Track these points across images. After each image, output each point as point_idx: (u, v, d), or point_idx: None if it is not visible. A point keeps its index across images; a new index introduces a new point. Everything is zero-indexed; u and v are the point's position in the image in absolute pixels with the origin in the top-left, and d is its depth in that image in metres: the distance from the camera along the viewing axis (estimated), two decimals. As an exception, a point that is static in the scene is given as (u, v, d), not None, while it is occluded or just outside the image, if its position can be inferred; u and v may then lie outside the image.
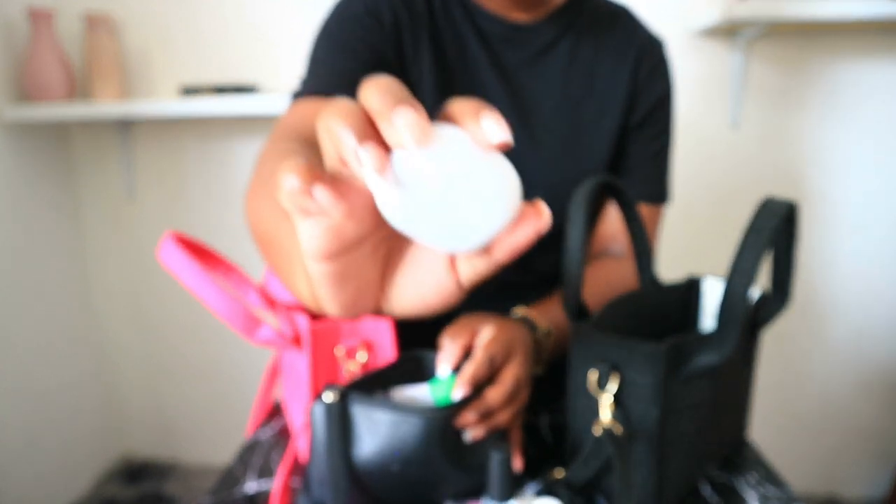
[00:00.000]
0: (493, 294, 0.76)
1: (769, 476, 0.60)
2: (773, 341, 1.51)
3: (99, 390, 1.80)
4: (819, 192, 1.46)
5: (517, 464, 0.58)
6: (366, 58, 0.63)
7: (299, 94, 0.62)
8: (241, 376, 1.75)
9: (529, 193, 0.73)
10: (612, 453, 0.51)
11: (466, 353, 0.57)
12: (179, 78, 1.54)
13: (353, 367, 0.60)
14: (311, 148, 0.52)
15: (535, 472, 0.60)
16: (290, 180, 0.19)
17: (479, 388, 0.54)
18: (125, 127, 1.59)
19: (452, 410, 0.52)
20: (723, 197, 1.48)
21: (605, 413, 0.52)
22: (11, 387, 1.50)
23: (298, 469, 0.61)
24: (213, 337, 1.74)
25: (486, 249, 0.22)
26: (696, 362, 0.51)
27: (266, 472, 0.62)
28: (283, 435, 0.69)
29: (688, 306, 0.69)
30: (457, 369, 0.56)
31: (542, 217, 0.22)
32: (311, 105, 0.59)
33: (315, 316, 0.62)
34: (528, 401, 0.59)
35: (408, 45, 0.66)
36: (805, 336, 1.55)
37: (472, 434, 0.53)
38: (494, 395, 0.54)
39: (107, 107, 1.40)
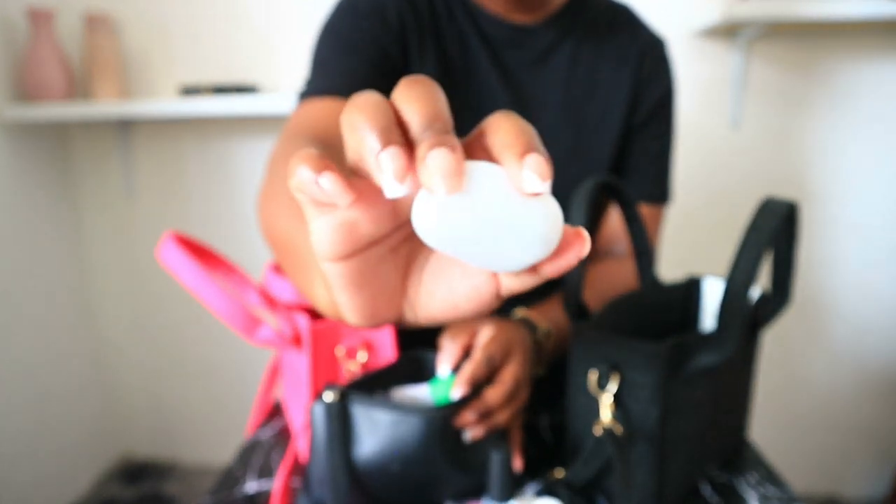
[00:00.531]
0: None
1: (769, 476, 0.60)
2: (773, 341, 1.51)
3: (98, 390, 1.80)
4: (819, 192, 1.46)
5: (517, 464, 0.58)
6: (373, 57, 0.63)
7: (306, 94, 0.61)
8: (241, 376, 1.75)
9: None
10: (612, 453, 0.50)
11: (466, 353, 0.57)
12: (179, 78, 1.54)
13: (353, 367, 0.60)
14: (324, 148, 0.52)
15: (535, 472, 0.59)
16: (300, 169, 0.19)
17: (478, 387, 0.54)
18: (125, 127, 1.59)
19: (452, 410, 0.52)
20: (723, 197, 1.48)
21: (606, 413, 0.52)
22: (11, 387, 1.50)
23: (298, 469, 0.61)
24: (212, 337, 1.74)
25: (531, 268, 0.21)
26: (696, 362, 0.51)
27: (266, 472, 0.62)
28: (283, 435, 0.69)
29: (688, 306, 0.69)
30: (456, 369, 0.56)
31: (584, 243, 0.21)
32: (320, 105, 0.59)
33: (315, 316, 0.62)
34: (527, 401, 0.59)
35: (412, 46, 0.66)
36: (805, 336, 1.55)
37: (471, 434, 0.53)
38: (493, 394, 0.54)
39: (106, 107, 1.40)
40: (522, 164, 0.18)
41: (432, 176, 0.18)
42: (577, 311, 0.57)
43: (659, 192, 0.78)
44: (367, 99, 0.19)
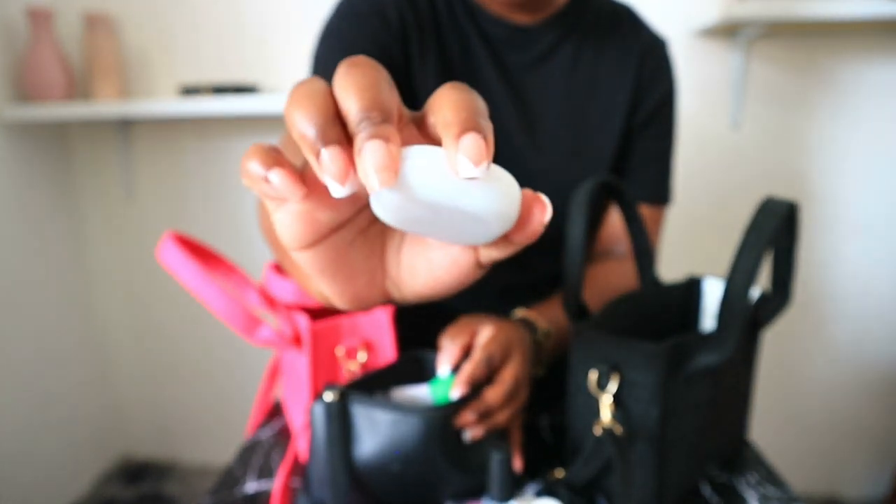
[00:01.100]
0: (494, 295, 0.76)
1: (769, 476, 0.60)
2: (774, 341, 1.51)
3: (98, 390, 1.80)
4: (819, 192, 1.46)
5: (517, 464, 0.58)
6: (374, 57, 0.63)
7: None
8: (241, 376, 1.75)
9: None
10: (612, 453, 0.50)
11: (466, 353, 0.57)
12: (179, 78, 1.54)
13: (353, 367, 0.60)
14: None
15: (535, 472, 0.59)
16: (250, 164, 0.19)
17: (478, 388, 0.54)
18: (124, 127, 1.59)
19: (452, 410, 0.52)
20: (723, 197, 1.48)
21: (606, 413, 0.52)
22: (11, 387, 1.49)
23: (298, 469, 0.60)
24: (212, 337, 1.74)
25: (502, 238, 0.21)
26: (696, 362, 0.51)
27: (266, 472, 0.62)
28: (283, 435, 0.69)
29: (688, 306, 0.69)
30: (456, 369, 0.56)
31: (545, 208, 0.20)
32: None
33: (315, 316, 0.62)
34: (527, 401, 0.59)
35: (414, 47, 0.66)
36: (805, 336, 1.55)
37: (471, 434, 0.53)
38: (493, 394, 0.54)
39: (106, 106, 1.40)
40: (458, 146, 0.18)
41: (366, 171, 0.17)
42: (577, 311, 0.57)
43: (659, 193, 0.78)
44: (305, 90, 0.19)
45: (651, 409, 0.51)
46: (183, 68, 1.54)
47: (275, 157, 0.19)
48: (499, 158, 0.71)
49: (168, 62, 1.54)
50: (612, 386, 0.52)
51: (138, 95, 1.56)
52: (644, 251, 0.65)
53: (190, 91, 1.41)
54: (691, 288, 0.68)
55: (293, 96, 0.19)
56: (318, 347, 0.58)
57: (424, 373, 0.59)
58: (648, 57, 0.74)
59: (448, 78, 0.68)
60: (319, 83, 0.19)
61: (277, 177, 0.19)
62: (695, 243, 1.50)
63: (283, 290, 0.62)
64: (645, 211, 0.77)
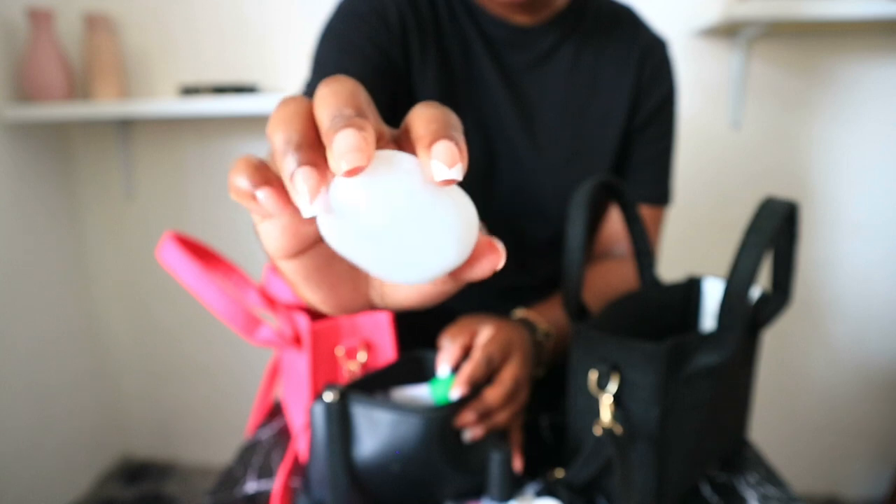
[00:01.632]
0: (495, 296, 0.76)
1: (769, 476, 0.60)
2: (774, 341, 1.51)
3: (98, 390, 1.79)
4: (820, 192, 1.46)
5: (517, 464, 0.58)
6: (373, 58, 0.63)
7: (305, 95, 0.61)
8: (241, 376, 1.75)
9: (533, 197, 0.73)
10: (612, 454, 0.50)
11: (466, 354, 0.57)
12: (179, 78, 1.54)
13: (353, 367, 0.60)
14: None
15: (535, 472, 0.59)
16: (237, 179, 0.19)
17: (477, 388, 0.54)
18: (125, 127, 1.59)
19: (451, 410, 0.52)
20: (723, 197, 1.48)
21: (606, 413, 0.52)
22: (11, 387, 1.49)
23: (298, 469, 0.60)
24: (212, 337, 1.74)
25: (450, 274, 0.21)
26: (696, 362, 0.51)
27: (266, 472, 0.62)
28: (283, 435, 0.69)
29: (688, 306, 0.69)
30: (456, 369, 0.56)
31: (499, 254, 0.21)
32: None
33: (315, 316, 0.62)
34: (527, 401, 0.59)
35: (414, 48, 0.66)
36: (805, 336, 1.55)
37: (471, 434, 0.53)
38: (493, 394, 0.54)
39: (106, 107, 1.40)
40: (430, 152, 0.18)
41: (336, 157, 0.17)
42: (577, 311, 0.57)
43: (659, 194, 0.78)
44: (284, 113, 0.19)
45: (651, 409, 0.51)
46: (183, 68, 1.54)
47: (263, 175, 0.19)
48: (499, 159, 0.71)
49: (168, 62, 1.54)
50: (612, 386, 0.52)
51: (138, 95, 1.56)
52: (644, 251, 0.65)
53: (190, 91, 1.41)
54: (691, 288, 0.68)
55: (273, 117, 0.19)
56: (318, 347, 0.58)
57: (424, 373, 0.59)
58: (649, 57, 0.74)
59: (448, 78, 0.68)
60: (301, 103, 0.19)
61: (265, 195, 0.19)
62: (695, 243, 1.50)
63: (283, 290, 0.62)
64: (645, 211, 0.76)
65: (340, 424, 0.51)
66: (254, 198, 0.19)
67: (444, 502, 0.54)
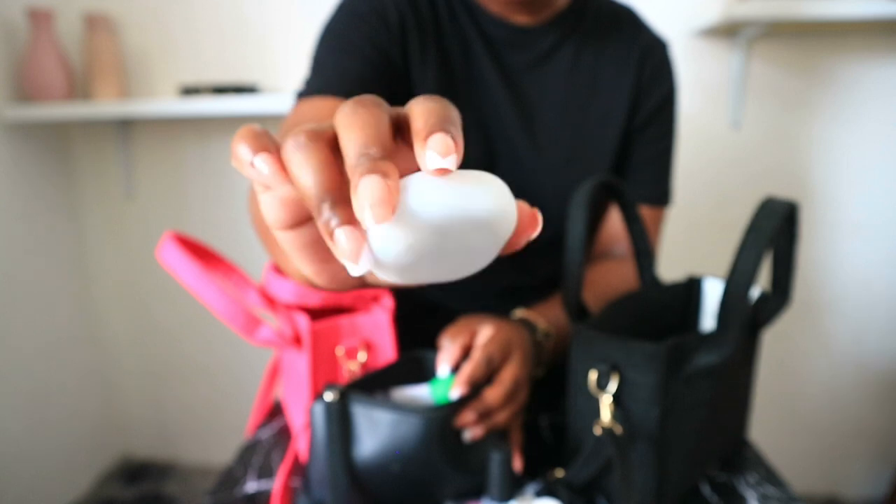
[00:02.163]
0: (494, 296, 0.76)
1: (769, 476, 0.60)
2: (774, 341, 1.51)
3: (98, 390, 1.80)
4: (820, 192, 1.46)
5: (517, 464, 0.58)
6: (372, 58, 0.63)
7: (303, 94, 0.62)
8: (241, 376, 1.75)
9: (533, 197, 0.72)
10: (612, 454, 0.50)
11: (465, 354, 0.57)
12: (179, 78, 1.54)
13: (353, 367, 0.60)
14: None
15: (535, 472, 0.59)
16: (239, 147, 0.19)
17: (477, 388, 0.54)
18: (125, 127, 1.59)
19: (451, 410, 0.52)
20: (723, 197, 1.48)
21: (606, 413, 0.52)
22: (11, 387, 1.49)
23: (298, 469, 0.60)
24: (213, 337, 1.74)
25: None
26: (696, 362, 0.51)
27: (266, 472, 0.62)
28: (283, 435, 0.69)
29: (688, 306, 0.69)
30: (456, 369, 0.56)
31: (538, 224, 0.21)
32: (315, 104, 0.59)
33: (315, 316, 0.62)
34: (527, 401, 0.59)
35: (413, 48, 0.66)
36: (805, 336, 1.55)
37: (471, 434, 0.53)
38: (493, 394, 0.54)
39: (106, 107, 1.40)
40: (425, 146, 0.18)
41: (362, 207, 0.17)
42: (577, 311, 0.57)
43: (659, 194, 0.78)
44: (302, 141, 0.19)
45: (651, 409, 0.51)
46: (183, 68, 1.54)
47: (263, 143, 0.19)
48: (499, 159, 0.71)
49: (168, 62, 1.54)
50: (612, 386, 0.52)
51: (138, 95, 1.56)
52: (644, 251, 0.65)
53: (190, 91, 1.41)
54: (691, 288, 0.68)
55: (290, 143, 0.19)
56: (318, 347, 0.58)
57: (424, 373, 0.59)
58: (649, 58, 0.74)
59: (448, 78, 0.68)
60: (320, 139, 0.20)
61: (262, 162, 0.19)
62: (695, 243, 1.50)
63: (283, 290, 0.62)
64: (645, 212, 0.76)
65: (340, 424, 0.51)
66: (251, 166, 0.19)
67: (444, 502, 0.54)
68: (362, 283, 0.26)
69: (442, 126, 0.19)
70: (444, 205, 0.18)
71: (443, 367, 0.56)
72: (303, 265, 0.24)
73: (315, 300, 0.59)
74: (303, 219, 0.22)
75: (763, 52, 1.38)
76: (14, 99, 1.48)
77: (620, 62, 0.73)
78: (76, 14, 1.51)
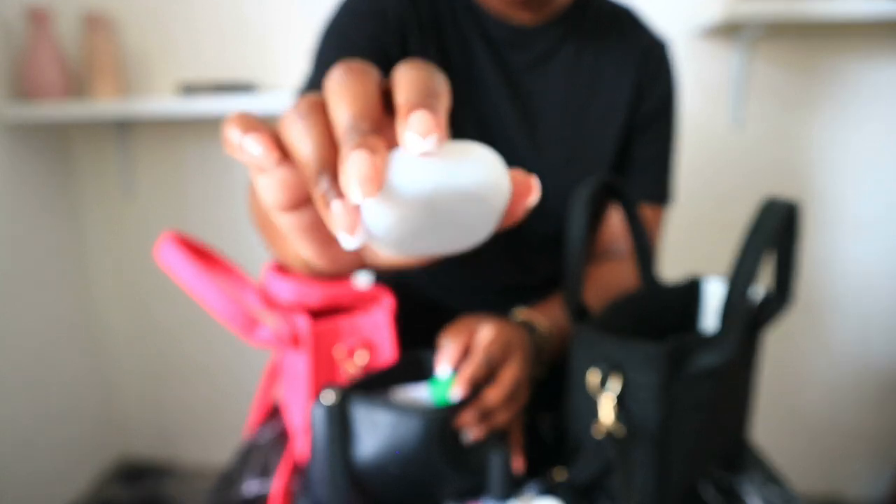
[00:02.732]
0: (495, 296, 0.76)
1: (770, 476, 0.60)
2: (775, 341, 1.51)
3: (97, 390, 1.79)
4: (822, 192, 1.45)
5: (517, 464, 0.57)
6: (372, 56, 0.63)
7: (304, 91, 0.62)
8: (240, 376, 1.75)
9: None
10: (613, 454, 0.50)
11: (465, 354, 0.57)
12: (178, 77, 1.54)
13: (352, 368, 0.59)
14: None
15: (536, 472, 0.59)
16: (230, 131, 0.20)
17: (477, 388, 0.54)
18: (124, 127, 1.59)
19: (451, 410, 0.51)
20: (725, 197, 1.47)
21: (606, 414, 0.52)
22: (10, 386, 1.49)
23: (298, 470, 0.60)
24: (212, 337, 1.74)
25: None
26: (697, 363, 0.51)
27: (265, 472, 0.61)
28: (283, 436, 0.69)
29: (689, 306, 0.69)
30: (456, 369, 0.56)
31: (532, 191, 0.21)
32: None
33: (315, 316, 0.61)
34: (527, 401, 0.59)
35: (414, 47, 0.66)
36: (807, 336, 1.55)
37: (471, 434, 0.53)
38: (493, 395, 0.54)
39: (105, 106, 1.40)
40: (406, 125, 0.18)
41: (349, 183, 0.18)
42: (578, 311, 0.57)
43: (660, 194, 0.77)
44: (306, 108, 0.19)
45: (652, 410, 0.51)
46: (182, 68, 1.54)
47: (253, 124, 0.19)
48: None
49: (168, 62, 1.54)
50: (613, 386, 0.52)
51: (138, 95, 1.56)
52: (644, 251, 0.65)
53: (189, 89, 1.41)
54: (692, 288, 0.68)
55: (294, 122, 0.19)
56: (318, 348, 0.58)
57: (424, 373, 0.59)
58: (649, 58, 0.74)
59: (448, 78, 0.68)
60: (312, 102, 0.20)
61: (253, 142, 0.19)
62: (695, 243, 1.49)
63: (283, 290, 0.62)
64: (645, 211, 0.76)
65: (340, 425, 0.51)
66: (242, 148, 0.19)
67: (444, 503, 0.54)
68: (361, 264, 0.25)
69: (423, 101, 0.19)
70: (430, 179, 0.18)
71: (443, 367, 0.56)
72: (303, 248, 0.24)
73: (314, 300, 0.59)
74: (301, 200, 0.22)
75: (764, 51, 1.38)
76: (13, 99, 1.48)
77: (621, 62, 0.73)
78: (75, 13, 1.50)
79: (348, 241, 0.18)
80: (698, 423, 0.54)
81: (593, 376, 0.53)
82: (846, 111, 1.40)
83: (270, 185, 0.21)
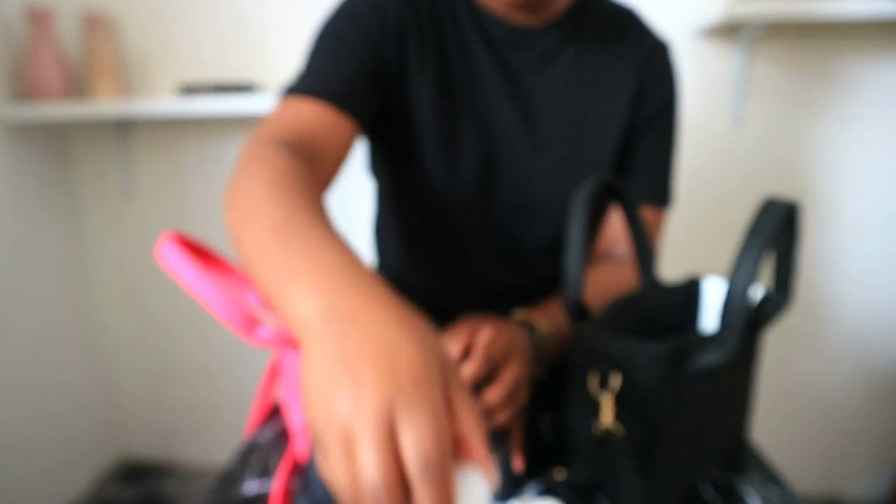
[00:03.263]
0: (495, 297, 0.76)
1: (770, 476, 0.60)
2: (775, 341, 1.51)
3: (97, 390, 1.79)
4: (822, 192, 1.45)
5: (517, 464, 0.57)
6: (366, 59, 0.63)
7: (293, 90, 0.61)
8: (240, 376, 1.75)
9: (533, 197, 0.72)
10: (613, 454, 0.50)
11: (466, 354, 0.57)
12: (178, 77, 1.54)
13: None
14: (301, 154, 0.52)
15: (535, 472, 0.59)
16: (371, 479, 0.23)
17: (478, 387, 0.54)
18: (124, 127, 1.59)
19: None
20: (725, 197, 1.47)
21: (606, 414, 0.52)
22: (10, 386, 1.49)
23: (298, 470, 0.60)
24: (212, 337, 1.74)
25: None
26: (697, 363, 0.51)
27: (265, 472, 0.61)
28: (283, 436, 0.69)
29: (689, 306, 0.69)
30: (456, 369, 0.56)
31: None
32: (304, 107, 0.59)
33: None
34: (527, 401, 0.59)
35: (411, 48, 0.66)
36: (807, 336, 1.55)
37: (472, 434, 0.53)
38: (494, 394, 0.54)
39: (105, 106, 1.40)
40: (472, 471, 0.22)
41: None
42: (578, 311, 0.57)
43: (661, 195, 0.77)
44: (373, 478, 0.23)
45: (652, 410, 0.51)
46: (182, 68, 1.54)
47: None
48: (499, 159, 0.71)
49: (167, 62, 1.54)
50: (613, 386, 0.52)
51: (138, 95, 1.56)
52: (645, 251, 0.65)
53: (189, 90, 1.41)
54: (691, 288, 0.68)
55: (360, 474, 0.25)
56: (318, 348, 0.58)
57: (424, 373, 0.59)
58: (651, 60, 0.73)
59: (448, 79, 0.68)
60: (382, 467, 0.24)
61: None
62: (695, 243, 1.49)
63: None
64: (646, 212, 0.76)
65: (340, 425, 0.51)
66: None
67: (444, 503, 0.54)
68: None
69: (485, 445, 0.24)
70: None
71: (443, 367, 0.55)
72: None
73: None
74: None
75: (765, 51, 1.38)
76: (13, 99, 1.48)
77: (622, 63, 0.73)
78: (75, 13, 1.50)
79: None
80: (698, 422, 0.54)
81: (593, 376, 0.53)
82: (846, 111, 1.40)
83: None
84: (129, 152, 1.62)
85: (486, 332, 0.57)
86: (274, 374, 0.72)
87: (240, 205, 0.44)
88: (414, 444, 0.22)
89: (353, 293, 0.33)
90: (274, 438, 0.68)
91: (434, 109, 0.68)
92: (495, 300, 0.75)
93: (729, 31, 1.35)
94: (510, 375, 0.55)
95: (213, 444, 1.82)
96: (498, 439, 0.55)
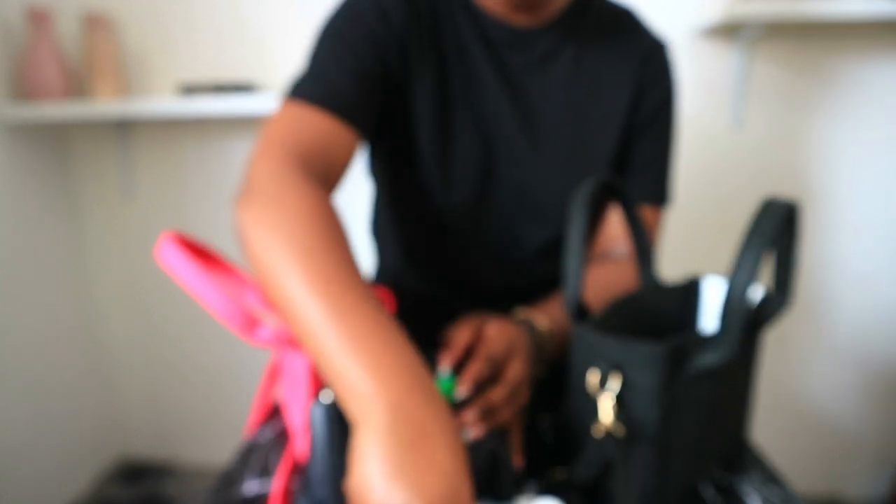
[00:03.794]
0: (496, 296, 0.76)
1: (770, 476, 0.60)
2: (775, 341, 1.51)
3: (97, 390, 1.79)
4: (822, 192, 1.46)
5: (517, 463, 0.57)
6: (369, 60, 0.63)
7: (297, 95, 0.61)
8: (240, 376, 1.75)
9: (533, 198, 0.72)
10: (613, 454, 0.50)
11: (467, 353, 0.57)
12: (178, 77, 1.54)
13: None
14: (318, 173, 0.53)
15: (536, 472, 0.59)
16: None
17: (479, 386, 0.54)
18: (124, 127, 1.59)
19: (453, 409, 0.51)
20: (725, 197, 1.47)
21: (606, 414, 0.52)
22: (10, 387, 1.49)
23: (298, 470, 0.60)
24: (212, 337, 1.74)
25: None
26: (697, 362, 0.51)
27: (265, 472, 0.61)
28: (283, 436, 0.69)
29: (689, 306, 0.69)
30: (456, 368, 0.56)
31: None
32: (310, 117, 0.59)
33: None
34: (528, 401, 0.59)
35: (413, 48, 0.66)
36: (807, 336, 1.55)
37: (472, 433, 0.53)
38: (496, 393, 0.54)
39: (105, 106, 1.40)
40: None
41: None
42: (578, 311, 0.57)
43: (658, 194, 0.78)
44: None
45: (652, 410, 0.51)
46: (182, 69, 1.54)
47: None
48: (498, 159, 0.71)
49: (167, 63, 1.54)
50: (613, 386, 0.52)
51: (138, 95, 1.56)
52: (644, 251, 0.65)
53: (189, 90, 1.41)
54: (691, 288, 0.68)
55: None
56: (318, 348, 0.58)
57: (424, 373, 0.59)
58: (650, 60, 0.74)
59: (447, 79, 0.68)
60: None
61: None
62: (695, 243, 1.49)
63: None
64: (645, 212, 0.76)
65: (340, 425, 0.51)
66: None
67: (444, 503, 0.54)
68: None
69: None
70: None
71: (444, 366, 0.56)
72: None
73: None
74: None
75: (765, 51, 1.38)
76: (13, 99, 1.48)
77: (622, 64, 0.73)
78: (75, 13, 1.51)
79: None
80: (698, 423, 0.54)
81: (593, 376, 0.53)
82: (846, 111, 1.40)
83: None
84: (128, 152, 1.62)
85: (489, 331, 0.57)
86: (274, 374, 0.72)
87: (277, 241, 0.46)
88: None
89: (420, 399, 0.38)
90: (274, 438, 0.68)
91: (433, 110, 0.68)
92: (494, 301, 0.75)
93: (729, 31, 1.35)
94: (512, 374, 0.55)
95: (213, 444, 1.82)
96: (498, 438, 0.55)
